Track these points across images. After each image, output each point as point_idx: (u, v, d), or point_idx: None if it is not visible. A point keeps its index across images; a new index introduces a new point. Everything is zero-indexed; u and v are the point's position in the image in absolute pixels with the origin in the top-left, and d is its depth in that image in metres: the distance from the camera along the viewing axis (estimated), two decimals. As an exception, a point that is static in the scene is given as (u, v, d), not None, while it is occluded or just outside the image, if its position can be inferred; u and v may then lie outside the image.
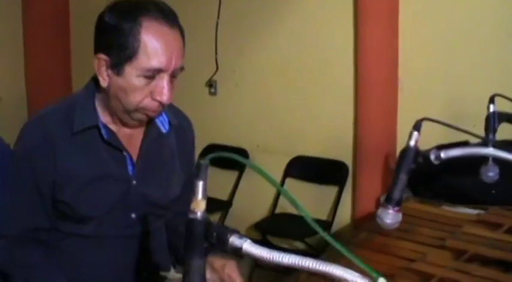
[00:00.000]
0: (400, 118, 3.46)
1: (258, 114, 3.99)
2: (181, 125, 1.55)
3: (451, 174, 2.78)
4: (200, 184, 0.86)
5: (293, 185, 3.85)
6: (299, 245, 3.71)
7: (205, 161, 0.85)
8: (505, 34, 3.07)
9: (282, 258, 0.77)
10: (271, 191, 3.91)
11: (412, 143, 1.31)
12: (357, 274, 0.72)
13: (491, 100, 1.58)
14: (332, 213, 3.68)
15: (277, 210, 3.87)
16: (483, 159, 1.53)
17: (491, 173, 1.69)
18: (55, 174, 1.37)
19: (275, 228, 3.76)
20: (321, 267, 0.74)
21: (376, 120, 3.44)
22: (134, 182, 1.43)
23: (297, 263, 0.76)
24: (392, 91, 3.47)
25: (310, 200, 3.80)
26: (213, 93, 4.12)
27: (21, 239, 1.42)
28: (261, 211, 3.92)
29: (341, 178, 3.67)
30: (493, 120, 1.56)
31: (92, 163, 1.39)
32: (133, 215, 1.45)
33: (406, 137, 3.76)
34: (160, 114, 1.41)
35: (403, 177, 1.30)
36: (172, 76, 1.32)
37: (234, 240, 0.82)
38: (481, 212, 2.19)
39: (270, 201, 3.92)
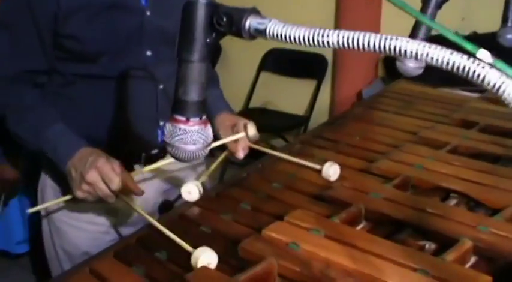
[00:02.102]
0: (384, 8, 3.22)
1: (229, 1, 3.67)
2: None
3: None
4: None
5: (268, 79, 3.65)
6: (276, 142, 3.52)
7: None
8: None
9: (326, 37, 0.53)
10: (245, 85, 3.69)
11: (444, -30, 1.06)
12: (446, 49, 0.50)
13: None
14: (309, 109, 3.49)
15: (251, 105, 3.67)
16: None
17: (509, 35, 1.49)
18: (57, 6, 1.18)
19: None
20: (387, 43, 0.51)
21: (359, 9, 3.19)
22: (148, 13, 1.25)
23: (346, 39, 0.52)
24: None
25: (286, 95, 3.62)
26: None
27: (15, 80, 1.27)
28: (233, 105, 3.69)
29: (320, 72, 3.46)
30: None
31: None
32: (148, 53, 1.28)
33: (390, 30, 3.50)
34: None
35: (432, 11, 1.07)
36: None
37: (253, 20, 0.58)
38: (482, 95, 2.02)
39: (243, 96, 3.71)
